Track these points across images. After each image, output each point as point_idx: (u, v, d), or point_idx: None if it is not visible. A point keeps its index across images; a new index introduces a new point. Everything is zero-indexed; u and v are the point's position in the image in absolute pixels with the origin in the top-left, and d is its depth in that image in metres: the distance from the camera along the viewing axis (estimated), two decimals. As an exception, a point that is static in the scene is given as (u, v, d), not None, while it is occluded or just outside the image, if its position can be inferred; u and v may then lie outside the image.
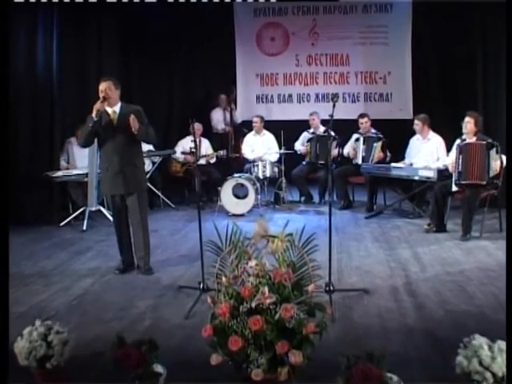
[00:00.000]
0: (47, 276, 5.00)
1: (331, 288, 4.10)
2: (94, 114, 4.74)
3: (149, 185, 7.95)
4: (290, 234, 2.95)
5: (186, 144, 8.55)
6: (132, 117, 4.72)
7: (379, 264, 5.04)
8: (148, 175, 7.99)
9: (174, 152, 8.45)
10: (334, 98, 4.33)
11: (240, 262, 2.86)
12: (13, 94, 6.45)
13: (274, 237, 2.85)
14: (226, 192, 7.47)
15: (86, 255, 5.73)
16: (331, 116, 4.29)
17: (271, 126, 8.78)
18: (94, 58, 8.39)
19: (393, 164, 7.06)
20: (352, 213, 7.43)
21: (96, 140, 5.07)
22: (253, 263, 2.73)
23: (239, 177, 7.54)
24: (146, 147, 7.92)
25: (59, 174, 7.03)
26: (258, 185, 7.70)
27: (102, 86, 4.83)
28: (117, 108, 4.92)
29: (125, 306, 4.19)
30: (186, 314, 3.93)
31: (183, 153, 8.46)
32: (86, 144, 5.13)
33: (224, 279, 2.75)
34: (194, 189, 8.23)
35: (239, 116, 9.83)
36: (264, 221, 2.88)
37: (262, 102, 10.22)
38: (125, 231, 5.18)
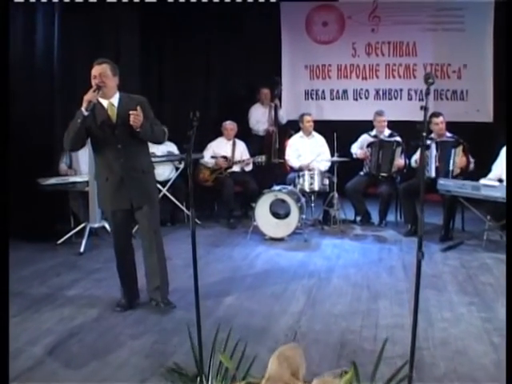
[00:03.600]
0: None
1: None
2: (83, 107, 3.56)
3: (170, 196, 6.61)
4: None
5: (217, 147, 7.13)
6: (133, 112, 3.60)
7: (475, 337, 3.35)
8: (169, 183, 6.65)
9: (202, 156, 6.99)
10: (430, 78, 2.67)
11: None
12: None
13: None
14: (263, 209, 5.94)
15: (68, 292, 4.36)
16: (425, 108, 2.63)
17: (321, 127, 7.23)
18: (111, 45, 7.06)
19: (482, 181, 5.36)
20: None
21: (90, 143, 3.89)
22: None
23: (279, 190, 5.98)
24: (165, 149, 6.58)
25: (52, 181, 5.66)
26: (303, 200, 6.15)
27: (96, 71, 3.72)
28: (115, 100, 3.82)
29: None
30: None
31: (213, 157, 6.99)
32: (72, 147, 3.87)
33: None
34: (225, 201, 6.90)
35: (284, 114, 8.29)
36: (294, 348, 1.28)
37: (312, 98, 8.67)
38: (129, 257, 4.04)
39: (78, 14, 6.32)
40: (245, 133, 7.87)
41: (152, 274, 3.97)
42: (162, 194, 6.32)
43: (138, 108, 3.63)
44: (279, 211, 6.02)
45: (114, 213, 3.89)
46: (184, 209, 6.85)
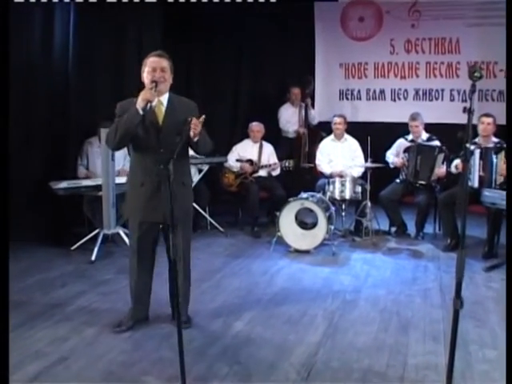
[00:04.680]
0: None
1: None
2: (140, 106, 3.19)
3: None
4: None
5: (243, 149, 6.71)
6: (195, 121, 3.21)
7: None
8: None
9: (226, 160, 6.58)
10: (475, 72, 2.17)
11: None
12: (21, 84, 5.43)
13: None
14: (288, 219, 5.49)
15: (68, 307, 3.98)
16: (469, 110, 2.14)
17: (355, 129, 6.74)
18: (133, 42, 6.74)
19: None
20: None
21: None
22: None
23: (306, 198, 5.51)
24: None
25: (63, 185, 5.34)
26: (333, 210, 5.68)
27: (157, 63, 3.33)
28: (164, 99, 3.42)
29: None
30: None
31: (238, 161, 6.57)
32: (118, 146, 3.49)
33: None
34: (250, 208, 6.40)
35: (317, 115, 7.83)
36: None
37: (347, 98, 8.17)
38: (148, 277, 3.65)
39: (97, 12, 6.03)
40: (275, 134, 7.48)
41: (174, 292, 3.55)
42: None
43: (201, 119, 3.23)
44: (306, 221, 5.57)
45: (140, 224, 3.50)
46: (206, 215, 6.47)
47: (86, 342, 3.39)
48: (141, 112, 3.18)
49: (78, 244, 5.51)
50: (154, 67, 3.31)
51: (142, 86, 3.35)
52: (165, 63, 3.34)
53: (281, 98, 7.90)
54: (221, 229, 6.35)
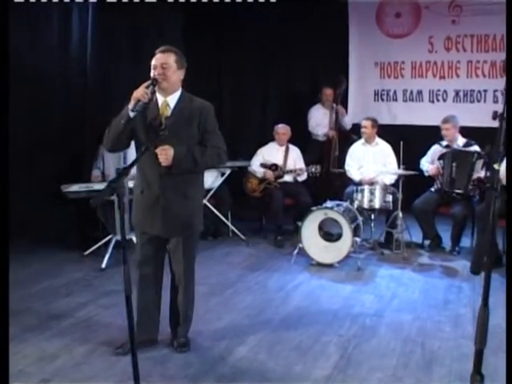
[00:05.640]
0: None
1: None
2: (130, 105, 2.95)
3: (211, 207, 5.93)
4: None
5: (268, 153, 6.37)
6: (161, 148, 2.99)
7: None
8: (212, 192, 5.97)
9: (249, 164, 6.27)
10: None
11: None
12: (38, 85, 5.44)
13: None
14: (310, 229, 5.12)
15: (66, 320, 3.77)
16: (501, 115, 1.75)
17: (387, 132, 6.30)
18: (152, 42, 6.51)
19: None
20: (502, 277, 4.51)
21: (134, 144, 3.25)
22: None
23: (331, 208, 5.12)
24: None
25: (74, 188, 5.14)
26: (360, 220, 5.26)
27: (157, 60, 3.08)
28: (173, 99, 3.13)
29: None
30: None
31: (263, 165, 6.23)
32: (112, 147, 3.25)
33: None
34: (272, 216, 6.00)
35: (350, 117, 7.42)
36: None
37: (382, 99, 7.71)
38: (152, 291, 3.34)
39: (115, 12, 5.85)
40: (305, 137, 7.12)
41: (174, 310, 3.39)
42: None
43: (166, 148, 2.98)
44: (330, 232, 5.19)
45: (142, 234, 3.25)
46: (228, 222, 6.15)
47: (74, 362, 3.15)
48: (130, 113, 2.93)
49: (90, 249, 5.34)
50: (155, 64, 3.06)
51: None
52: (168, 59, 3.06)
53: (312, 98, 7.53)
54: (242, 237, 6.02)
